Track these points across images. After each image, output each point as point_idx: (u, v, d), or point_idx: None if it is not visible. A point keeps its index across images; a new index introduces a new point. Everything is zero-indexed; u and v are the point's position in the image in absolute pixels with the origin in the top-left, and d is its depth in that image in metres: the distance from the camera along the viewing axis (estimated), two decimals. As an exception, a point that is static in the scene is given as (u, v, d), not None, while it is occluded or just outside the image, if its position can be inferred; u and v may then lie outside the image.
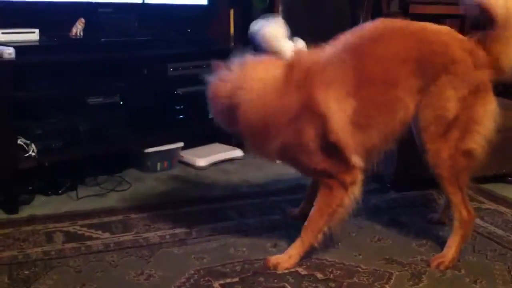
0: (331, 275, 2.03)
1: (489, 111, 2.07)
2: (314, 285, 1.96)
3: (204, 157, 3.23)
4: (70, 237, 2.28)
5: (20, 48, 2.49)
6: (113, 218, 2.47)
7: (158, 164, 3.13)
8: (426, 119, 2.07)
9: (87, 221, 2.43)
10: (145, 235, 2.32)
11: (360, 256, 2.18)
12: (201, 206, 2.65)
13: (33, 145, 2.57)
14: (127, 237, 2.29)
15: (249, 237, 2.34)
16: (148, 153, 3.09)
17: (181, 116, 3.29)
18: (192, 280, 1.97)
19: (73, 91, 2.83)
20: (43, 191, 2.71)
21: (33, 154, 2.55)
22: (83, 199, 2.70)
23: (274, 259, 2.10)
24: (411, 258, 2.17)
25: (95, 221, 2.44)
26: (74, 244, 2.21)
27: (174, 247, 2.22)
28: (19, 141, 2.53)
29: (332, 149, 1.99)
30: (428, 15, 4.55)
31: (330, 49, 2.08)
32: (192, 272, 2.03)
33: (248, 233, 2.37)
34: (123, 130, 2.99)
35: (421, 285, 1.98)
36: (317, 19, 4.15)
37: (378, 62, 2.03)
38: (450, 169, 2.08)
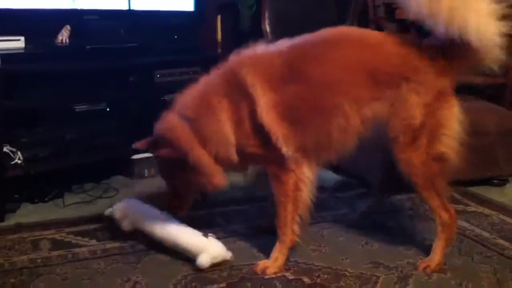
0: (318, 279, 2.04)
1: (454, 113, 2.09)
2: (301, 289, 1.97)
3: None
4: (56, 244, 2.27)
5: (5, 56, 2.49)
6: (100, 225, 2.46)
7: (146, 171, 3.13)
8: (394, 129, 2.08)
9: (73, 229, 2.42)
10: (132, 242, 2.31)
11: (347, 260, 2.19)
12: (188, 212, 2.62)
13: (19, 153, 2.56)
14: (114, 244, 2.29)
15: (236, 242, 2.34)
16: (135, 159, 3.09)
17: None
18: (179, 286, 1.97)
19: (60, 98, 2.83)
20: (29, 199, 2.70)
21: (19, 162, 2.55)
22: (69, 206, 2.70)
23: (262, 264, 2.10)
24: (398, 261, 2.18)
25: (81, 228, 2.43)
26: (60, 252, 2.20)
27: (161, 254, 2.22)
28: (5, 149, 2.52)
29: (266, 135, 2.03)
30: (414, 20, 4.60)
31: (277, 46, 2.11)
32: (179, 278, 2.03)
33: (235, 239, 2.38)
34: (110, 137, 2.99)
35: (407, 288, 2.00)
36: (307, 27, 4.18)
37: (323, 66, 2.03)
38: (423, 176, 2.09)
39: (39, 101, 2.74)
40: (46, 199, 2.71)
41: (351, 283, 2.02)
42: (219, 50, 3.69)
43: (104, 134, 2.98)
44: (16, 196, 2.63)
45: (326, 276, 2.06)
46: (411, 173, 2.10)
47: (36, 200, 2.70)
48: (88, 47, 2.87)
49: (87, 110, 2.93)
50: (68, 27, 2.84)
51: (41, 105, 2.77)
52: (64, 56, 2.85)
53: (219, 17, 3.77)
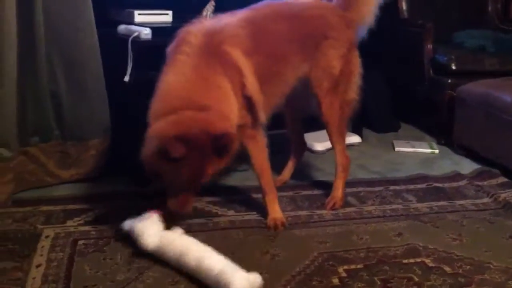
0: (460, 269, 1.96)
1: (358, 62, 2.47)
2: (442, 278, 1.90)
3: (322, 141, 3.22)
4: (197, 212, 2.34)
5: (155, 29, 2.60)
6: (237, 197, 2.53)
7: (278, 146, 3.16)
8: (318, 78, 2.37)
9: (211, 198, 2.50)
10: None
11: (490, 252, 2.08)
12: (321, 190, 2.65)
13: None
14: (251, 216, 2.35)
15: (371, 224, 2.31)
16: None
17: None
18: (316, 263, 1.98)
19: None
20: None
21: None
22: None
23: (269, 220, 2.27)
24: (547, 258, 2.04)
25: (219, 198, 2.51)
26: (202, 220, 2.29)
27: (297, 229, 2.25)
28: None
29: (248, 106, 2.13)
30: None
31: (232, 18, 2.20)
32: (316, 255, 2.04)
33: (370, 221, 2.35)
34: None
35: (560, 287, 1.87)
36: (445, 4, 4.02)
37: (270, 39, 2.23)
38: (339, 118, 2.44)
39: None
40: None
41: (497, 276, 1.92)
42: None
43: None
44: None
45: (468, 267, 1.98)
46: (331, 115, 2.42)
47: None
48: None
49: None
50: (213, 2, 2.90)
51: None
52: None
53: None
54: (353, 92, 2.47)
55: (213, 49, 2.05)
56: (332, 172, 2.88)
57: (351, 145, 3.32)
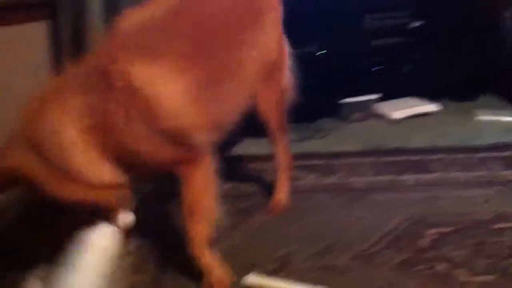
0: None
1: (286, 43, 2.03)
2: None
3: (399, 109, 3.16)
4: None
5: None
6: (316, 162, 2.52)
7: (353, 115, 3.12)
8: (254, 64, 1.81)
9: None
10: (349, 180, 2.34)
11: None
12: (401, 157, 2.60)
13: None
14: (332, 180, 2.34)
15: (456, 190, 2.25)
16: (343, 103, 3.09)
17: (377, 68, 3.23)
18: (402, 226, 1.96)
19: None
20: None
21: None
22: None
23: None
24: None
25: (299, 163, 2.48)
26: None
27: (378, 194, 2.22)
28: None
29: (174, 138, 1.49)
30: None
31: (141, 16, 1.60)
32: (402, 218, 2.01)
33: (455, 187, 2.28)
34: (319, 80, 3.01)
35: None
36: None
37: (211, 22, 1.68)
38: (279, 113, 2.02)
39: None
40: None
41: None
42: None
43: (314, 76, 3.00)
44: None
45: None
46: (271, 109, 1.99)
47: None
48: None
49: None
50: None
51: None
52: None
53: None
54: (286, 78, 2.03)
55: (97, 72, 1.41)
56: (409, 139, 2.83)
57: (429, 113, 3.24)
